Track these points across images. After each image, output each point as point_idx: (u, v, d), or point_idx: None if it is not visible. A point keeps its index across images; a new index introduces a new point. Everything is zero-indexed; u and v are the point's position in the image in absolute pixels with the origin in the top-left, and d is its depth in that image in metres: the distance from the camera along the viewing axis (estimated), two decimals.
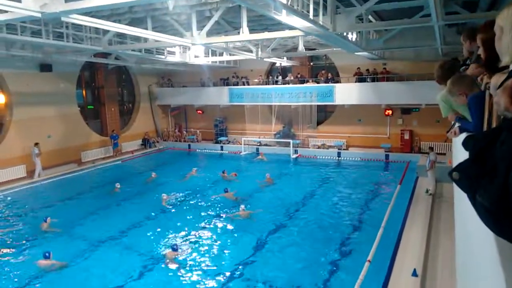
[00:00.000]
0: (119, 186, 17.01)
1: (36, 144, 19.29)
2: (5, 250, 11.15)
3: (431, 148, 15.89)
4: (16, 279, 9.47)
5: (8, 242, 11.78)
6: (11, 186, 17.86)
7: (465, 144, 1.60)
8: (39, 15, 7.57)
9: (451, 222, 9.43)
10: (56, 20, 12.29)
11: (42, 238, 11.93)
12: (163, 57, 20.38)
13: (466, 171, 1.38)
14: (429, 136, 21.94)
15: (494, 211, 1.27)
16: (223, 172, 18.79)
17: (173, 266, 9.83)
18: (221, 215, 13.64)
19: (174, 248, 10.26)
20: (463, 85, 2.97)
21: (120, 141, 25.23)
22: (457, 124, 3.67)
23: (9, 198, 16.62)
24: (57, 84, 21.33)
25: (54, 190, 18.01)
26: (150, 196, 15.90)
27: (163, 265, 9.96)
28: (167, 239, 11.59)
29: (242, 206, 13.39)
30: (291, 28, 11.11)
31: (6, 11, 8.19)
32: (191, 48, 19.71)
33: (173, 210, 14.40)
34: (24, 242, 11.72)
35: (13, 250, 11.17)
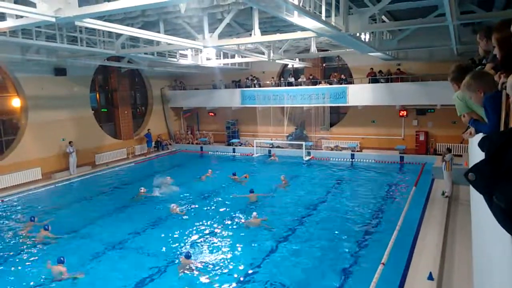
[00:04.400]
0: (143, 190, 16.64)
1: (70, 142, 20.63)
2: (18, 254, 11.27)
3: (449, 149, 15.54)
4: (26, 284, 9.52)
5: (20, 246, 11.86)
6: (27, 188, 18.13)
7: (481, 144, 1.56)
8: (53, 19, 7.67)
9: (468, 225, 9.25)
10: (70, 24, 12.47)
11: (56, 242, 11.94)
12: (175, 60, 20.52)
13: (481, 172, 1.34)
14: (444, 137, 21.63)
15: (510, 212, 1.24)
16: (234, 175, 18.79)
17: (186, 272, 9.69)
18: (235, 219, 13.50)
19: (188, 256, 10.15)
20: (483, 81, 2.88)
21: (132, 144, 25.56)
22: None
23: (25, 201, 16.84)
24: (71, 87, 21.68)
25: (68, 193, 18.26)
26: (164, 199, 15.95)
27: (177, 271, 9.85)
28: (181, 244, 11.52)
29: (254, 214, 13.09)
30: (303, 29, 11.06)
31: (21, 16, 8.32)
32: (203, 51, 19.80)
33: (186, 214, 14.23)
34: (36, 245, 11.76)
35: (25, 254, 11.24)
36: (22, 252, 11.31)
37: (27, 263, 10.58)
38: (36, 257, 10.91)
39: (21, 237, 12.37)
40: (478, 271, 3.69)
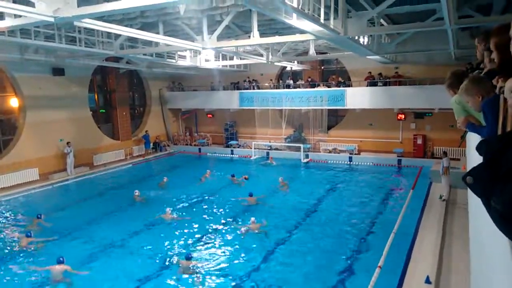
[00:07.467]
0: (138, 194, 16.16)
1: (68, 143, 20.51)
2: (15, 254, 11.22)
3: (445, 153, 15.64)
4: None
5: (16, 247, 11.75)
6: (24, 189, 18.02)
7: (479, 148, 1.56)
8: (52, 19, 7.66)
9: (465, 229, 9.27)
10: (68, 24, 12.45)
11: (53, 243, 11.83)
12: (174, 61, 20.52)
13: (479, 175, 1.34)
14: (442, 141, 21.69)
15: (508, 216, 1.24)
16: (232, 176, 18.76)
17: (186, 275, 9.64)
18: (233, 222, 13.41)
19: (189, 257, 10.10)
20: (481, 86, 2.88)
21: (130, 145, 25.50)
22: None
23: (21, 201, 16.76)
24: (69, 88, 21.65)
25: (66, 193, 18.22)
26: (162, 201, 15.89)
27: (175, 274, 9.80)
28: (179, 246, 11.47)
29: (253, 219, 12.80)
30: (302, 32, 11.08)
31: (20, 16, 8.31)
32: (202, 52, 19.81)
33: (183, 216, 14.14)
34: (32, 247, 11.61)
35: (22, 255, 11.16)
36: (19, 254, 11.24)
37: (22, 266, 10.49)
38: (31, 259, 10.81)
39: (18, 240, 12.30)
40: (476, 274, 3.69)
